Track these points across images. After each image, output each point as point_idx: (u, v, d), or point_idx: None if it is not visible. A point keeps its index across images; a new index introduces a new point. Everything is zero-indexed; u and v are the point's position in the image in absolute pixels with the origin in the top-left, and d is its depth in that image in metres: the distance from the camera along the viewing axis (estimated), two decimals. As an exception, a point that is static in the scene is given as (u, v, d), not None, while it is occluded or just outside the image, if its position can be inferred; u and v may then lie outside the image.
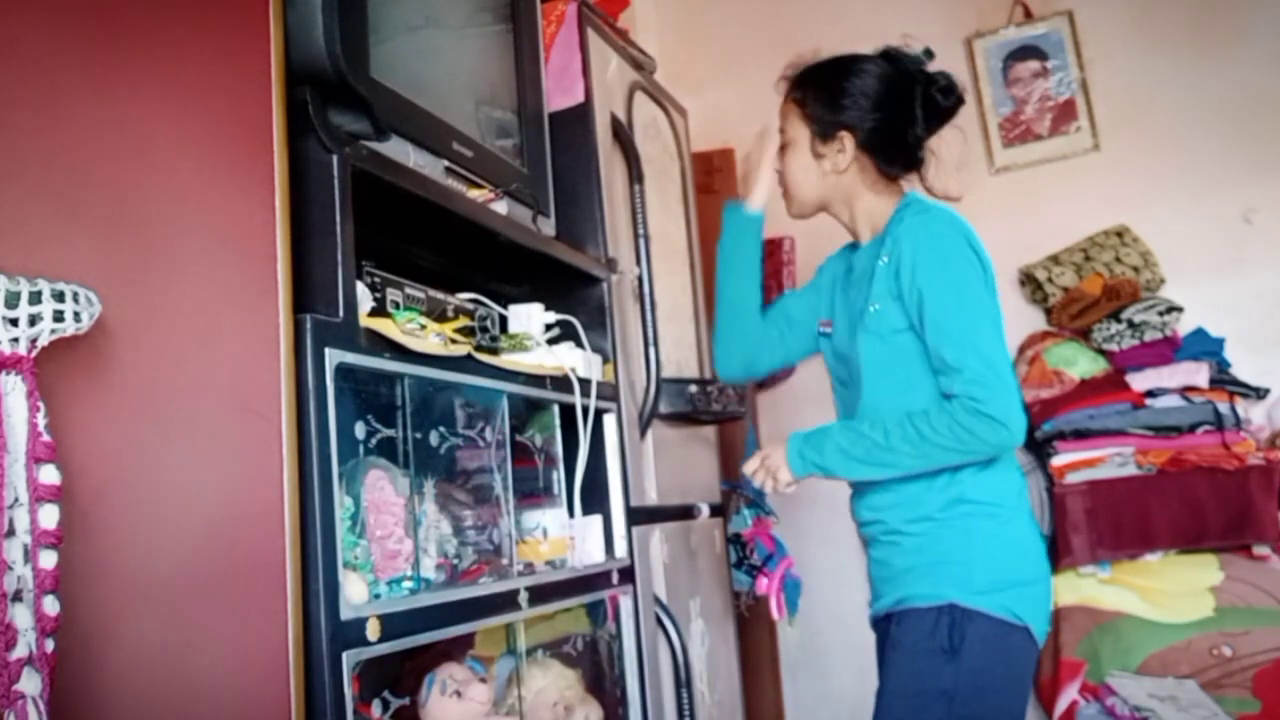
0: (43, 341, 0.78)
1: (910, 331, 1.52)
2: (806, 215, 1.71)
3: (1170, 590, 2.52)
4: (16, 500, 0.75)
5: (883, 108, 1.59)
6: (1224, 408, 2.56)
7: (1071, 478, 2.62)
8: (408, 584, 1.25)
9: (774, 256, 3.10)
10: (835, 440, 1.54)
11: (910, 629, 1.50)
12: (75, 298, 0.80)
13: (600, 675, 1.74)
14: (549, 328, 1.71)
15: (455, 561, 1.39)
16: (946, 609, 1.47)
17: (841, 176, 1.62)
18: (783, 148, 1.67)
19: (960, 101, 1.62)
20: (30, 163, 0.84)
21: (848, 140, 1.59)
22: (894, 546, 1.58)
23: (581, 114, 1.91)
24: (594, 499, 1.76)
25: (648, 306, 1.93)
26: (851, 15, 3.20)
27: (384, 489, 1.25)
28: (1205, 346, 2.64)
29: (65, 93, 0.88)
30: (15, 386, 0.76)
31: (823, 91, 1.62)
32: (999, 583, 1.48)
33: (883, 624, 1.61)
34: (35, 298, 0.77)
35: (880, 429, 1.49)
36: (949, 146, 1.65)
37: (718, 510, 2.29)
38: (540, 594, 1.48)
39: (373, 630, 1.12)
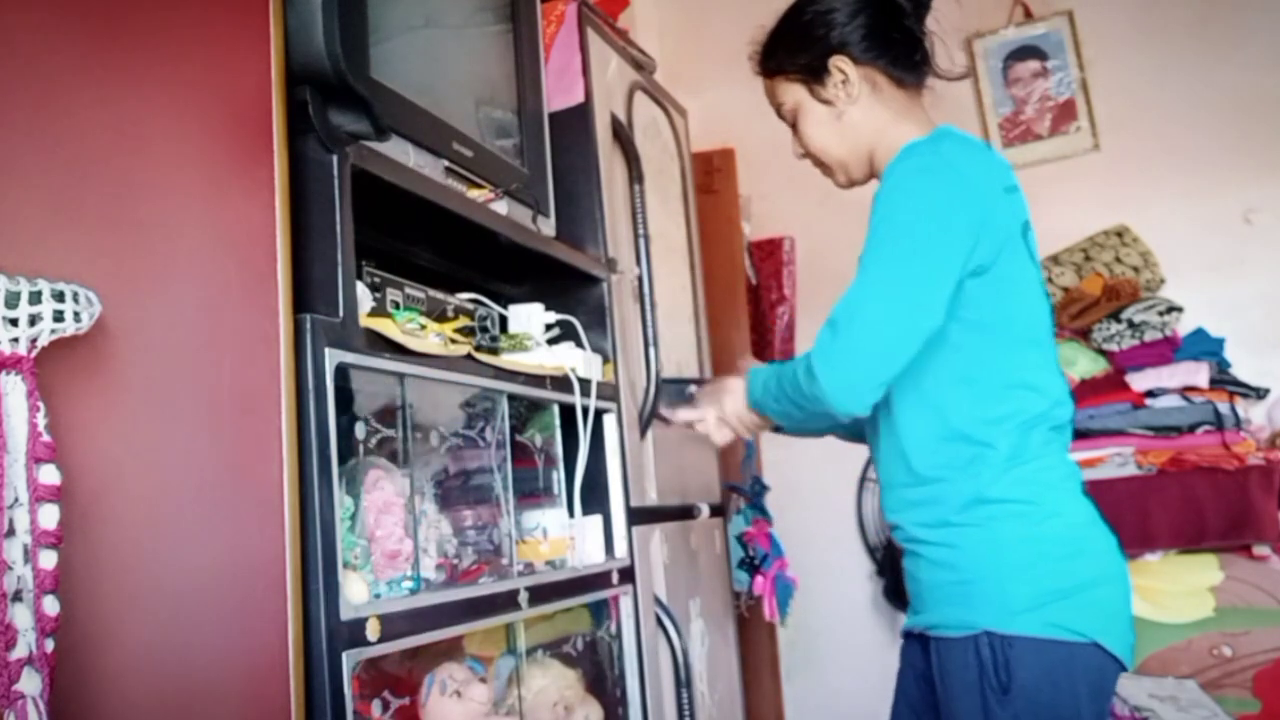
0: (43, 341, 0.78)
1: None
2: (858, 177, 1.49)
3: (1170, 590, 2.52)
4: (16, 500, 0.75)
5: (862, 8, 1.41)
6: (1224, 408, 2.56)
7: (1071, 478, 2.62)
8: (407, 584, 1.25)
9: (774, 256, 3.11)
10: (764, 376, 1.42)
11: (949, 662, 1.30)
12: (75, 298, 0.80)
13: (600, 675, 1.74)
14: (549, 328, 1.71)
15: (455, 561, 1.39)
16: (983, 638, 1.25)
17: (861, 109, 1.42)
18: (792, 126, 1.50)
19: None
20: (30, 163, 0.84)
21: (843, 63, 1.41)
22: (916, 558, 1.37)
23: (581, 114, 1.91)
24: (594, 499, 1.76)
25: (648, 306, 1.93)
26: (851, 15, 3.20)
27: (384, 489, 1.25)
28: (1205, 346, 2.64)
29: (65, 93, 0.88)
30: (15, 386, 0.76)
31: (793, 39, 1.46)
32: (1041, 596, 1.24)
33: (915, 639, 1.44)
34: (35, 298, 0.77)
35: (789, 370, 1.35)
36: (938, 22, 1.46)
37: (718, 510, 2.29)
38: (540, 594, 1.47)
39: (373, 630, 1.12)
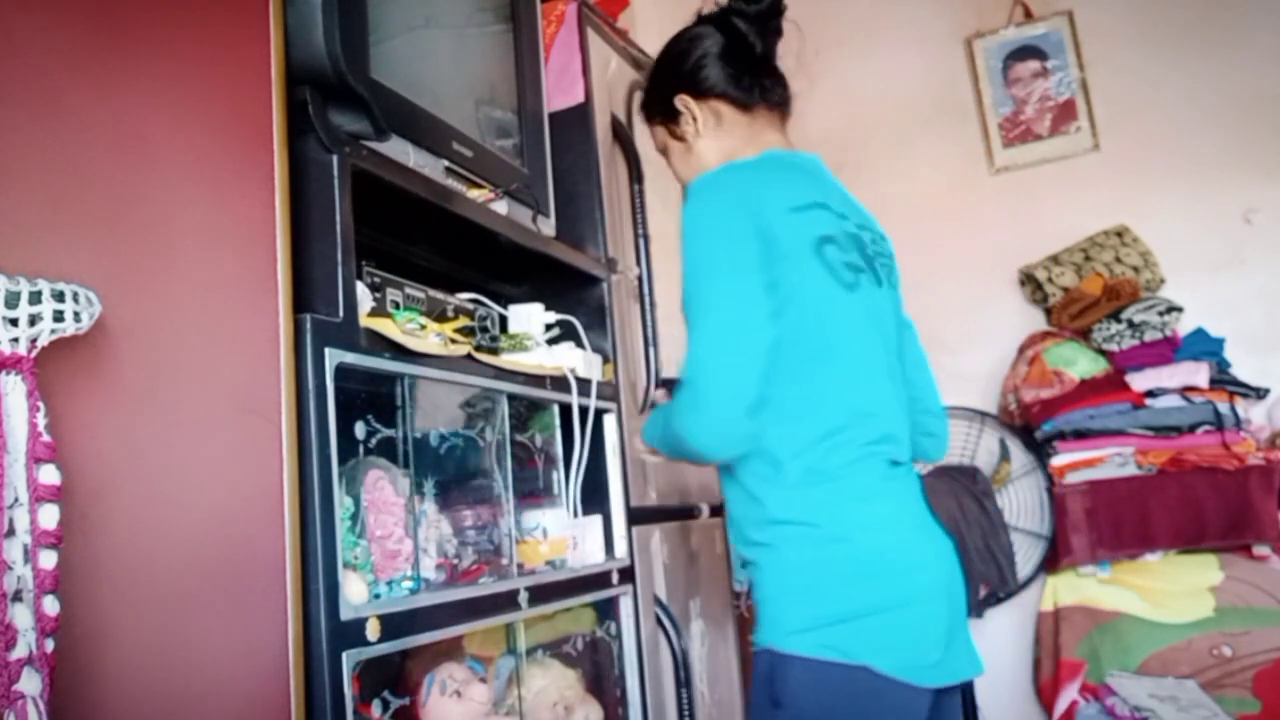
0: (43, 341, 0.78)
1: None
2: None
3: (1170, 590, 2.52)
4: (16, 500, 0.75)
5: (694, 48, 1.52)
6: (1224, 408, 2.56)
7: (1071, 478, 2.62)
8: (407, 584, 1.25)
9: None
10: (658, 419, 1.45)
11: (753, 674, 1.32)
12: (75, 298, 0.80)
13: (600, 675, 1.74)
14: (549, 328, 1.71)
15: (455, 561, 1.39)
16: (764, 655, 1.27)
17: (707, 140, 1.50)
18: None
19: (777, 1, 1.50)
20: (30, 163, 0.84)
21: (686, 101, 1.50)
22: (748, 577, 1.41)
23: (581, 114, 1.92)
24: (594, 499, 1.76)
25: (648, 306, 1.93)
26: (851, 15, 3.20)
27: (384, 489, 1.25)
28: (1205, 346, 2.64)
29: (65, 93, 0.88)
30: (15, 386, 0.76)
31: (653, 87, 1.59)
32: (819, 618, 1.24)
33: None
34: (35, 298, 0.77)
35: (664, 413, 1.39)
36: (785, 43, 1.53)
37: (718, 510, 2.29)
38: (540, 594, 1.48)
39: (373, 630, 1.12)
